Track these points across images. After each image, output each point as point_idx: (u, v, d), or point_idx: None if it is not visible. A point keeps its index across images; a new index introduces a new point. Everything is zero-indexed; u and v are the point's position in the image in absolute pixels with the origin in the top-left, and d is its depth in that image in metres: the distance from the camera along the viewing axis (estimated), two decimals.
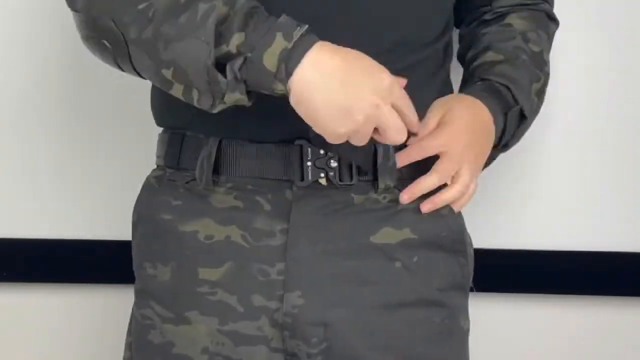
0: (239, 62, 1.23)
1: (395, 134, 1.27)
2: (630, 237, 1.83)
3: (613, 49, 1.81)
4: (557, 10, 1.60)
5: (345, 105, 1.23)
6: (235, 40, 1.23)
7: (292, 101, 1.25)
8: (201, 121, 1.38)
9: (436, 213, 1.41)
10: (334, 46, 1.25)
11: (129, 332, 1.48)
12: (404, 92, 1.28)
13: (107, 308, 1.86)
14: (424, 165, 1.39)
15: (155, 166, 1.49)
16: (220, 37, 1.23)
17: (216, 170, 1.38)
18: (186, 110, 1.36)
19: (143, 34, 1.26)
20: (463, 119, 1.39)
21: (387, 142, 1.28)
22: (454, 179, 1.39)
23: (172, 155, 1.44)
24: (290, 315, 1.36)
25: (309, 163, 1.36)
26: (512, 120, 1.47)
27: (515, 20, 1.54)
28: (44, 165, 1.85)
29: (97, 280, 1.85)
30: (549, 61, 1.55)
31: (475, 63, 1.52)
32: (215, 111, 1.28)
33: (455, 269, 1.45)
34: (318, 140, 1.31)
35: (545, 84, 1.53)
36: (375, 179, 1.38)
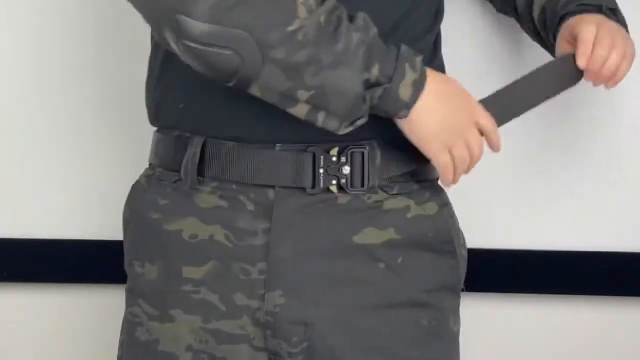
0: (379, 91, 1.26)
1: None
2: (630, 237, 1.82)
3: None
4: None
5: (456, 124, 1.31)
6: (375, 71, 1.26)
7: (406, 124, 1.30)
8: (189, 120, 1.39)
9: (422, 213, 1.40)
10: (439, 74, 1.34)
11: (121, 330, 1.49)
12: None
13: (105, 308, 1.86)
14: (417, 165, 1.39)
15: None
16: (364, 66, 1.26)
17: (201, 171, 1.38)
18: (175, 108, 1.39)
19: (293, 57, 1.23)
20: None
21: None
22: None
23: (162, 155, 1.44)
24: (272, 314, 1.36)
25: (321, 170, 1.36)
26: None
27: None
28: (44, 166, 1.85)
29: (96, 280, 1.86)
30: None
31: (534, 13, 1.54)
32: (340, 133, 1.29)
33: (445, 270, 1.44)
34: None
35: None
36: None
